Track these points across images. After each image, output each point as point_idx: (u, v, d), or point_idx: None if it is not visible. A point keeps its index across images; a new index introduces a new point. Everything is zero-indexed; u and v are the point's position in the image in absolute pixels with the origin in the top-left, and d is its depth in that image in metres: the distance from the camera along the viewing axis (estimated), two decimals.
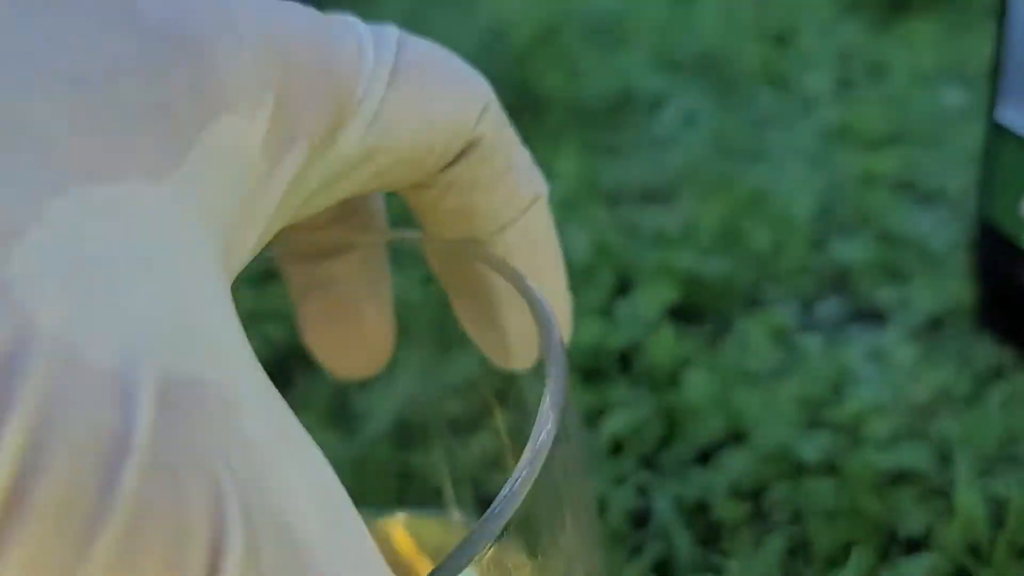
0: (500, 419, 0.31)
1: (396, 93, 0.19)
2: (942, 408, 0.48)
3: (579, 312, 0.54)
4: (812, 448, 0.45)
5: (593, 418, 0.49)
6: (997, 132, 0.46)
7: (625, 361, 0.53)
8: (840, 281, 0.60)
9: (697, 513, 0.44)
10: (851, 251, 0.60)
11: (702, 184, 0.71)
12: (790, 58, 0.84)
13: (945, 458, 0.45)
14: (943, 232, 0.60)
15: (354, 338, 0.28)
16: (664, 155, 0.76)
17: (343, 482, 0.17)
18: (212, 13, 0.16)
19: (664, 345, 0.52)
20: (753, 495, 0.45)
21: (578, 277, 0.59)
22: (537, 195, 0.24)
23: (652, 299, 0.56)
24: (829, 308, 0.57)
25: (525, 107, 0.85)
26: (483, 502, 0.32)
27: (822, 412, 0.47)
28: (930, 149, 0.69)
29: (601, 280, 0.58)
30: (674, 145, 0.77)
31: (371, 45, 0.19)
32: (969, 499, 0.41)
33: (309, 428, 0.30)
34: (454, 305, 0.28)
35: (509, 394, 0.30)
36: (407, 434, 0.36)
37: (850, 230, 0.63)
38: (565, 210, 0.67)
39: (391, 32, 0.20)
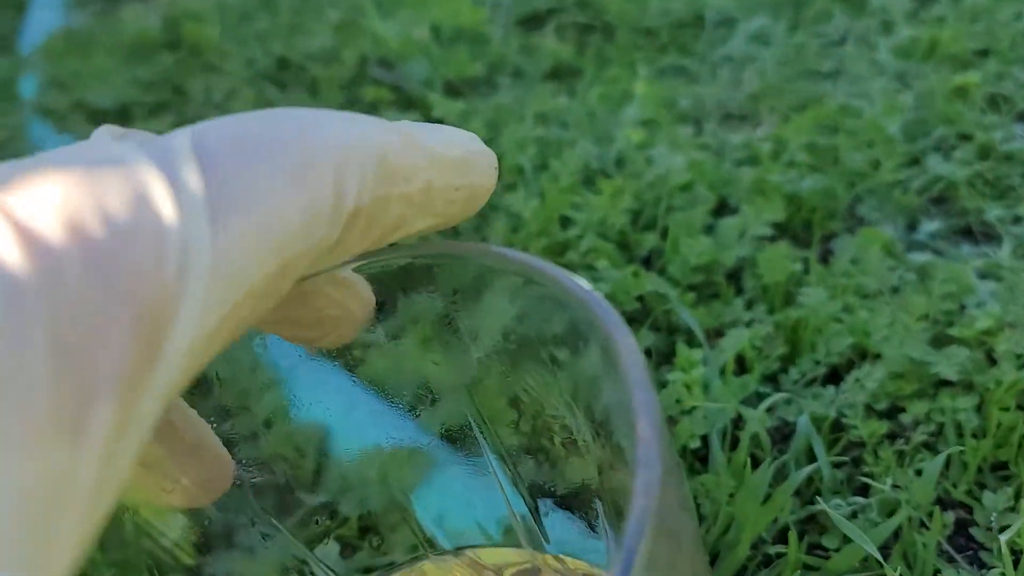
0: None
1: (222, 237, 0.14)
2: None
3: (684, 231, 0.51)
4: (949, 365, 0.41)
5: (711, 337, 0.46)
6: None
7: (736, 279, 0.50)
8: (943, 198, 0.56)
9: (835, 432, 0.41)
10: (951, 167, 0.56)
11: (784, 103, 0.67)
12: None
13: None
14: None
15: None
16: (741, 75, 0.72)
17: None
18: None
19: (776, 263, 0.48)
20: (890, 413, 0.42)
21: (678, 196, 0.55)
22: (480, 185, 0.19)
23: (756, 217, 0.52)
24: (934, 225, 0.53)
25: (594, 27, 0.81)
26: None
27: (950, 330, 0.44)
28: (1022, 64, 0.64)
29: (701, 198, 0.55)
30: (749, 65, 0.73)
31: (166, 188, 0.13)
32: None
33: (414, 349, 0.27)
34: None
35: None
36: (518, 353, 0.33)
37: (947, 146, 0.59)
38: (650, 131, 0.63)
39: (181, 146, 0.14)
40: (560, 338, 0.30)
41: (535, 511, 0.30)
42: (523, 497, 0.30)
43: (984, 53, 0.67)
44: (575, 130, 0.64)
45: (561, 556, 0.30)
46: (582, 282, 0.20)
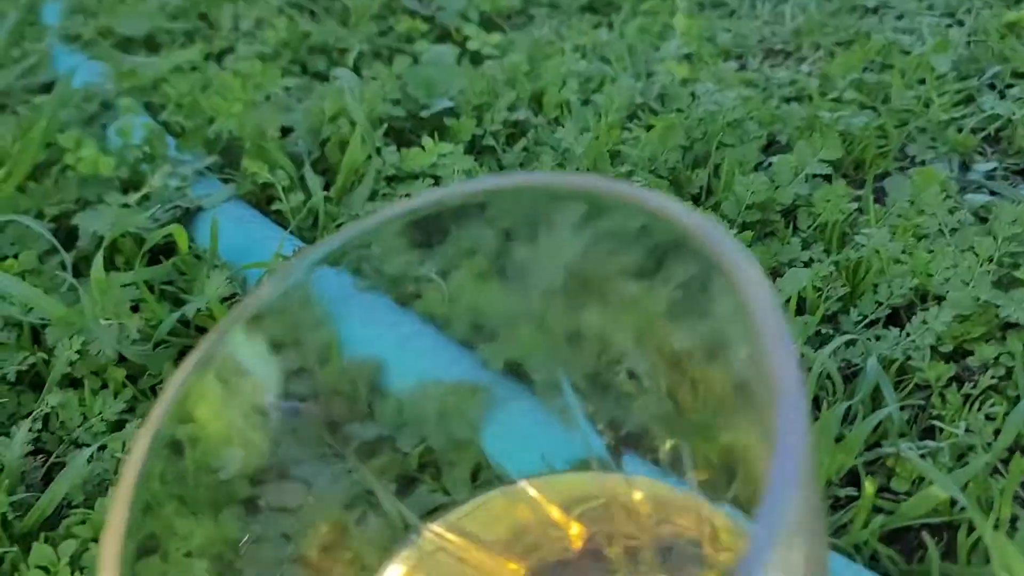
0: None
1: None
2: None
3: (737, 169, 0.49)
4: (1019, 308, 0.40)
5: (769, 276, 0.45)
6: None
7: (791, 217, 0.49)
8: (998, 137, 0.54)
9: (900, 374, 0.40)
10: (1007, 106, 0.55)
11: (829, 39, 0.65)
12: None
13: None
14: None
15: None
16: (781, 9, 0.70)
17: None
18: None
19: (834, 202, 0.47)
20: (954, 356, 0.40)
21: (728, 133, 0.53)
22: None
23: (809, 154, 0.51)
24: (989, 165, 0.52)
25: None
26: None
27: (1016, 272, 0.43)
28: None
29: (751, 135, 0.53)
30: None
31: None
32: None
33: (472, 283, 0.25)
34: None
35: None
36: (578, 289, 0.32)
37: (1001, 84, 0.57)
38: (693, 66, 0.61)
39: None
40: (636, 268, 0.28)
41: (612, 448, 0.29)
42: (598, 433, 0.29)
43: None
44: (616, 64, 0.62)
45: (637, 479, 0.29)
46: (685, 208, 0.18)
